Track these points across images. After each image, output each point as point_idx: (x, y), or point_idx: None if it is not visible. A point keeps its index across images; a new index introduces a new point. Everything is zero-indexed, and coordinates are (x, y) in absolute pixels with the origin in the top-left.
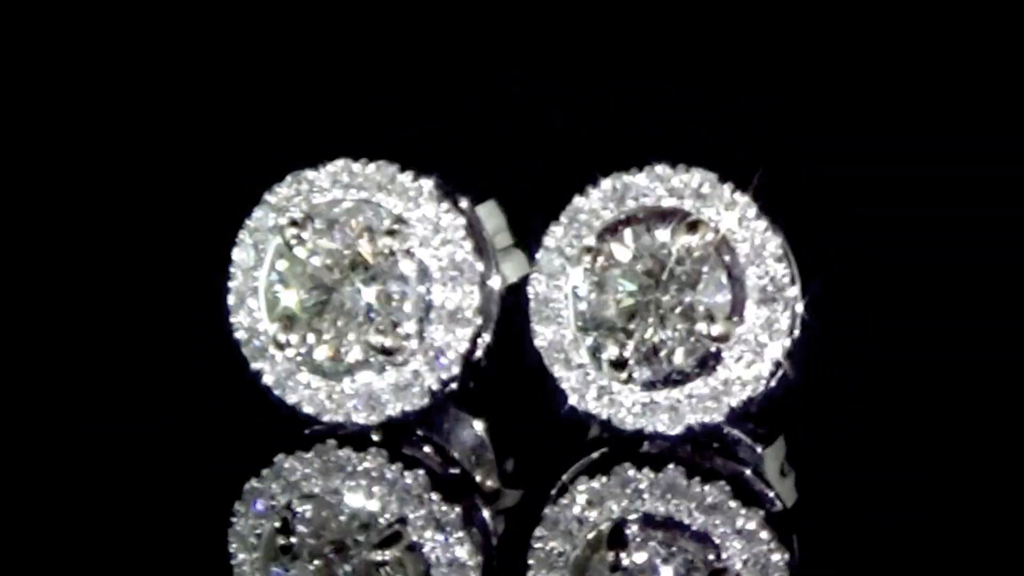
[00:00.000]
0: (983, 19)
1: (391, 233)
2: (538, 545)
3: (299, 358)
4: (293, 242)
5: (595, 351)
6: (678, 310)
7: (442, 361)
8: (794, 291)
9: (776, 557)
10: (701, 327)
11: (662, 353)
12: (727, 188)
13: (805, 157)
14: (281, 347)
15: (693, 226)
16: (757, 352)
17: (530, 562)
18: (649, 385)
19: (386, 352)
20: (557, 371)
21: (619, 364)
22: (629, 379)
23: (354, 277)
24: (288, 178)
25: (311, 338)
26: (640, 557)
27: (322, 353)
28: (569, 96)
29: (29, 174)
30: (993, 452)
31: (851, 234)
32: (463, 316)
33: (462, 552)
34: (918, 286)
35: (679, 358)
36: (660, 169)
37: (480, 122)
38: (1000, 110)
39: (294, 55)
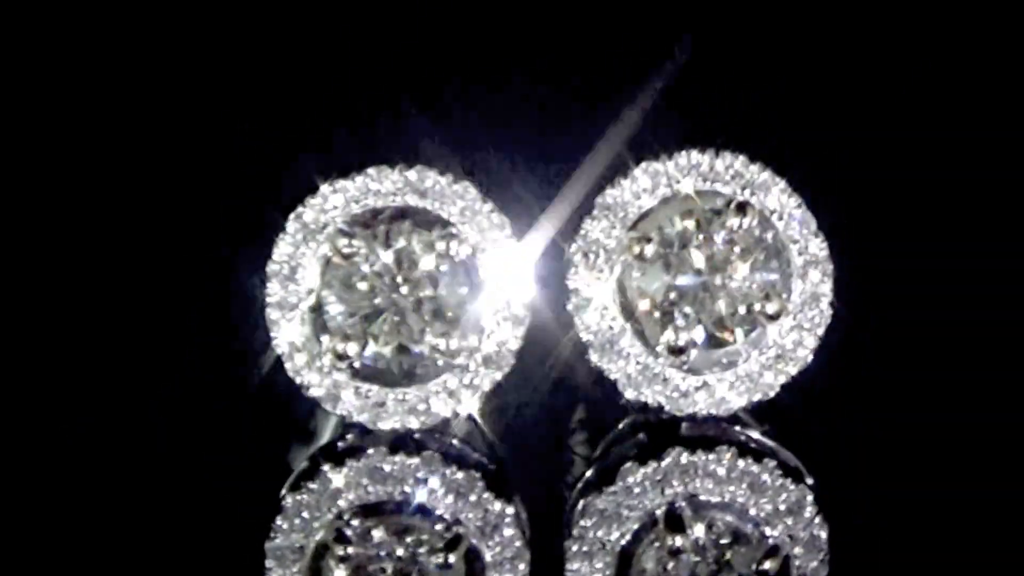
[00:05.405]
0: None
1: (443, 237)
2: (583, 535)
3: (353, 368)
4: (345, 251)
5: (646, 339)
6: (734, 291)
7: (500, 361)
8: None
9: (821, 532)
10: (758, 306)
11: (721, 335)
12: (758, 167)
13: (804, 156)
14: (341, 358)
15: (741, 208)
16: (806, 328)
17: (573, 549)
18: (700, 368)
19: (450, 354)
20: (605, 362)
21: (677, 350)
22: (684, 364)
23: (407, 282)
24: (324, 188)
25: (370, 346)
26: (696, 540)
27: (381, 360)
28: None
29: (31, 174)
30: (993, 452)
31: (852, 236)
32: (516, 315)
33: (514, 551)
34: (918, 285)
35: (740, 338)
36: (695, 156)
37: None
38: (1004, 110)
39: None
